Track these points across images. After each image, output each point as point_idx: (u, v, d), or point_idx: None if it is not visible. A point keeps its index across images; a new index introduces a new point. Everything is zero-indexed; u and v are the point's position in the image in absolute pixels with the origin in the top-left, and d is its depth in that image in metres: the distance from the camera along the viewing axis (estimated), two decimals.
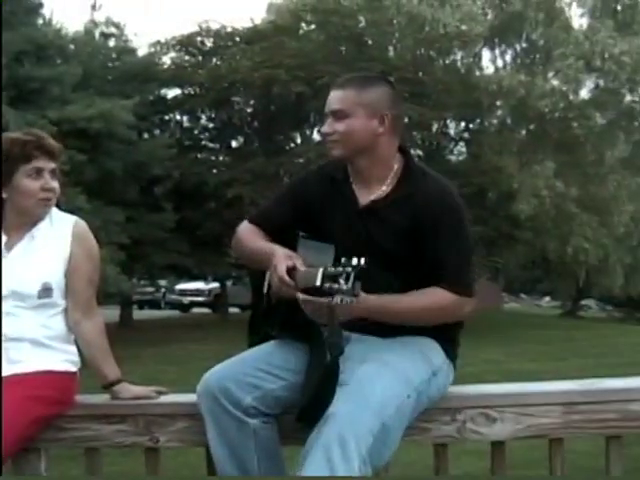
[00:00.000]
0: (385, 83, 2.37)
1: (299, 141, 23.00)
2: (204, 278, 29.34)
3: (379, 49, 21.84)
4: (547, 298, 44.72)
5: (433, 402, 2.30)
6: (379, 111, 2.29)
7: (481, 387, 2.53)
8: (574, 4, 23.10)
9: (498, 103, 22.03)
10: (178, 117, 22.58)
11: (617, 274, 23.61)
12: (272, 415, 2.27)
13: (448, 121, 22.68)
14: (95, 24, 20.04)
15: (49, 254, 2.46)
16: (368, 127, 2.29)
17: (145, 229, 17.66)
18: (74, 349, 2.51)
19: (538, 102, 20.16)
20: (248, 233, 2.47)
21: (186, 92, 21.63)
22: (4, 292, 2.38)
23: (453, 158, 24.04)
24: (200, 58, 22.12)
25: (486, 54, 24.24)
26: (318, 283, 1.96)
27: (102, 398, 2.53)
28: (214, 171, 20.61)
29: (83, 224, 2.53)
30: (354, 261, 1.93)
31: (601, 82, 22.25)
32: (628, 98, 22.73)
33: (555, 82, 21.25)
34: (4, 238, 2.46)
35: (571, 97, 21.27)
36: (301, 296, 2.09)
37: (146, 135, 20.14)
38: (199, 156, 22.04)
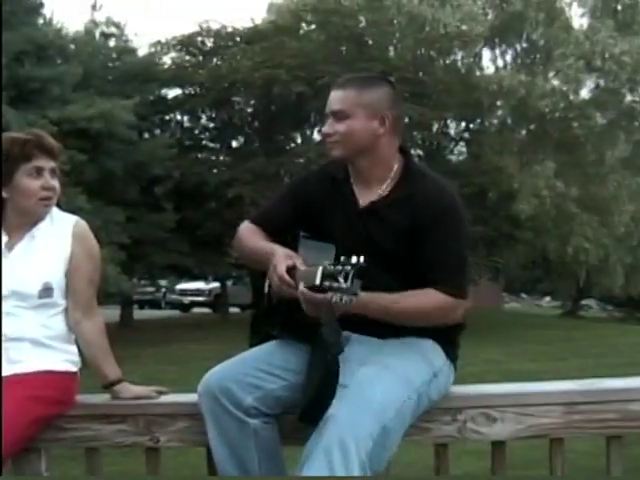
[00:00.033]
0: (386, 83, 2.37)
1: (299, 141, 23.00)
2: (204, 278, 29.33)
3: (379, 49, 21.83)
4: (547, 298, 44.71)
5: (434, 403, 2.30)
6: (379, 112, 2.30)
7: (482, 387, 2.53)
8: (574, 4, 23.10)
9: (498, 103, 22.01)
10: (178, 117, 22.57)
11: (617, 274, 23.60)
12: (272, 415, 2.27)
13: (448, 121, 22.66)
14: (95, 24, 20.03)
15: (50, 254, 2.46)
16: (368, 128, 2.30)
17: (145, 229, 17.65)
18: (74, 349, 2.51)
19: (538, 102, 20.14)
20: (249, 233, 2.48)
21: (186, 92, 21.62)
22: (5, 292, 2.38)
23: (453, 158, 24.02)
24: (200, 58, 22.11)
25: (486, 54, 24.26)
26: (317, 282, 1.96)
27: (102, 398, 2.53)
28: (214, 171, 20.59)
29: (84, 224, 2.53)
30: (353, 259, 1.93)
31: (601, 82, 22.23)
32: (628, 98, 22.71)
33: (555, 82, 21.23)
34: (5, 238, 2.46)
35: (571, 97, 21.25)
36: (302, 287, 2.09)
37: (146, 135, 20.13)
38: (199, 156, 22.03)
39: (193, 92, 21.55)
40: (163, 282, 31.68)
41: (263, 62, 19.00)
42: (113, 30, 20.18)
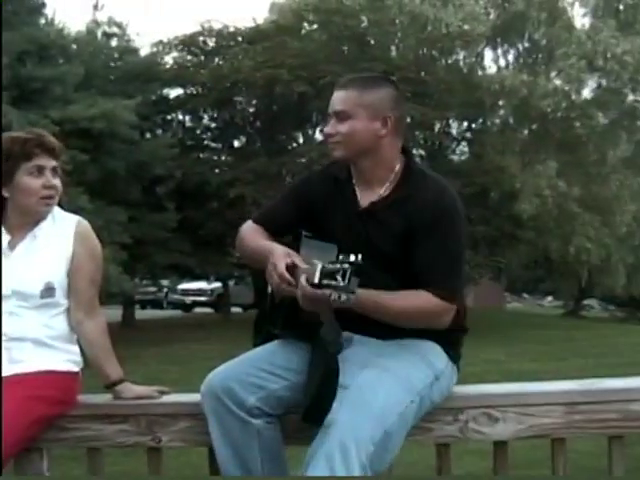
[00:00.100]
0: (388, 84, 2.37)
1: (301, 141, 22.98)
2: (206, 278, 29.35)
3: (381, 49, 21.82)
4: (549, 298, 44.69)
5: (436, 404, 2.30)
6: (382, 113, 2.29)
7: (483, 387, 2.53)
8: (576, 4, 23.08)
9: (500, 103, 21.99)
10: (180, 117, 22.58)
11: (619, 274, 23.59)
12: (275, 415, 2.28)
13: (450, 121, 22.64)
14: (97, 24, 20.03)
15: (52, 254, 2.46)
16: (370, 129, 2.29)
17: (147, 229, 17.65)
18: (76, 349, 2.51)
19: (540, 102, 20.13)
20: (250, 232, 2.48)
21: (188, 92, 21.63)
22: (7, 292, 2.39)
23: (455, 158, 24.02)
24: (202, 58, 22.12)
25: (488, 54, 24.22)
26: (316, 280, 1.97)
27: (104, 398, 2.54)
28: (216, 171, 20.60)
29: (86, 224, 2.53)
30: (351, 258, 1.93)
31: (603, 82, 22.21)
32: (630, 98, 22.69)
33: (557, 82, 21.21)
34: (7, 237, 2.46)
35: (573, 97, 21.24)
36: (303, 282, 2.08)
37: (148, 135, 20.14)
38: (201, 156, 22.03)
39: (195, 92, 21.56)
40: (165, 282, 31.71)
41: (265, 62, 19.01)
42: (115, 30, 20.19)
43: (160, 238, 18.16)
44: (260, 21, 22.96)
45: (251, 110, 22.34)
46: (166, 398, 2.53)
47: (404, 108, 2.43)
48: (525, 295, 47.70)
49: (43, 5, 16.86)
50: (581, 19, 30.08)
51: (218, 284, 28.15)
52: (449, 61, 23.27)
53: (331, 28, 21.22)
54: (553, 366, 11.48)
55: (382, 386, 2.11)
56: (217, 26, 21.77)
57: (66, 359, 2.46)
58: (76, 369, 2.49)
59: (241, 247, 2.49)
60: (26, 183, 2.42)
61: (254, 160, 19.56)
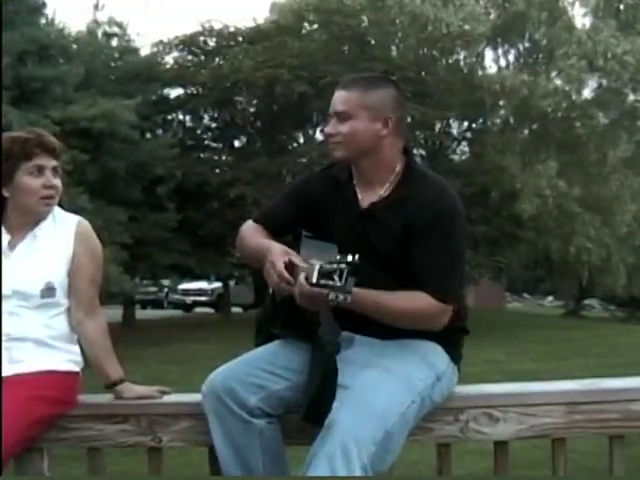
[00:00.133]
0: (390, 85, 2.36)
1: (302, 141, 22.99)
2: (207, 278, 29.39)
3: (382, 49, 21.82)
4: (550, 298, 44.67)
5: (437, 405, 2.30)
6: (383, 114, 2.29)
7: (484, 387, 2.53)
8: (577, 4, 23.05)
9: (501, 103, 21.99)
10: (181, 117, 22.57)
11: (620, 274, 23.58)
12: (276, 416, 2.28)
13: (451, 121, 22.65)
14: (97, 24, 20.03)
15: (52, 253, 2.46)
16: (371, 129, 2.29)
17: (148, 229, 17.65)
18: (77, 349, 2.51)
19: (541, 102, 20.13)
20: (250, 232, 2.47)
21: (189, 92, 21.62)
22: (7, 291, 2.38)
23: (456, 158, 24.02)
24: (203, 58, 22.11)
25: (489, 54, 24.21)
26: (314, 280, 1.97)
27: (105, 398, 2.53)
28: (217, 171, 20.59)
29: (86, 224, 2.53)
30: (349, 258, 1.93)
31: (604, 82, 22.20)
32: (631, 98, 22.69)
33: (558, 82, 21.21)
34: (7, 237, 2.46)
35: (574, 97, 21.24)
36: (302, 279, 2.08)
37: (149, 135, 20.13)
38: (202, 156, 22.03)
39: (195, 92, 21.56)
40: (165, 282, 31.74)
41: (265, 62, 19.01)
42: (115, 30, 20.19)
43: (160, 238, 18.17)
44: (260, 21, 23.00)
45: (251, 110, 22.34)
46: (167, 398, 2.53)
47: (405, 109, 2.44)
48: (525, 295, 47.66)
49: (43, 5, 16.85)
50: (581, 19, 30.01)
51: (218, 284, 28.17)
52: (449, 61, 23.26)
53: (331, 28, 21.20)
54: (554, 366, 11.47)
55: (383, 386, 2.11)
56: (217, 26, 21.80)
57: (67, 359, 2.46)
58: (77, 369, 2.49)
59: (241, 247, 2.49)
60: (26, 183, 2.42)
61: (254, 160, 19.57)
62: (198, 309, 30.67)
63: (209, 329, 18.93)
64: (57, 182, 2.47)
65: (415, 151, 19.70)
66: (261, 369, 2.28)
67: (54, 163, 2.46)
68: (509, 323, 20.65)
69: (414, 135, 20.01)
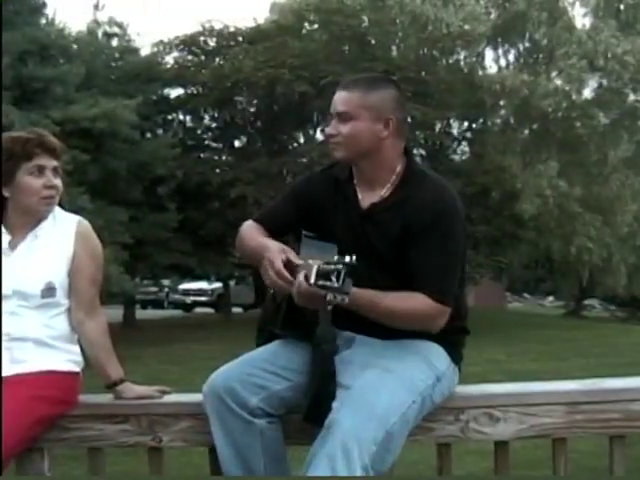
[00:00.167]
0: (391, 85, 2.36)
1: (302, 141, 22.98)
2: (207, 278, 29.39)
3: (382, 49, 21.82)
4: (550, 298, 44.66)
5: (437, 405, 2.30)
6: (384, 114, 2.29)
7: (484, 387, 2.52)
8: (577, 4, 23.05)
9: (501, 103, 22.00)
10: (181, 117, 22.58)
11: (620, 274, 23.56)
12: (277, 416, 2.28)
13: (451, 121, 22.65)
14: (98, 24, 20.03)
15: (52, 253, 2.46)
16: (372, 130, 2.28)
17: (148, 229, 17.66)
18: (77, 349, 2.51)
19: (541, 102, 20.13)
20: (250, 231, 2.47)
21: (189, 92, 21.62)
22: (7, 291, 2.38)
23: (456, 158, 24.01)
24: (203, 58, 22.11)
25: (489, 54, 24.23)
26: (312, 280, 1.97)
27: (105, 398, 2.53)
28: (217, 171, 20.59)
29: (86, 224, 2.53)
30: (346, 259, 1.94)
31: (604, 82, 22.20)
32: (631, 98, 22.70)
33: (558, 82, 21.21)
34: (7, 237, 2.46)
35: (574, 97, 21.23)
36: (301, 278, 2.08)
37: (149, 135, 20.13)
38: (202, 156, 22.03)
39: (196, 92, 21.55)
40: (166, 282, 31.74)
41: (266, 62, 19.01)
42: (116, 30, 20.20)
43: (161, 238, 18.17)
44: (261, 21, 23.01)
45: (252, 110, 22.34)
46: (167, 398, 2.53)
47: (406, 109, 2.43)
48: (526, 295, 47.64)
49: (44, 5, 16.85)
50: (582, 19, 29.97)
51: (219, 284, 28.17)
52: (450, 61, 23.27)
53: (332, 28, 21.20)
54: (554, 366, 11.47)
55: (384, 387, 2.11)
56: (218, 26, 21.80)
57: (67, 359, 2.46)
58: (77, 369, 2.49)
59: (241, 246, 2.49)
60: (27, 183, 2.42)
61: (255, 160, 19.57)
62: (198, 309, 30.67)
63: (209, 329, 18.93)
64: (58, 182, 2.47)
65: (415, 151, 19.70)
66: (262, 369, 2.28)
67: (55, 163, 2.46)
68: (510, 323, 20.64)
69: (414, 135, 20.01)
